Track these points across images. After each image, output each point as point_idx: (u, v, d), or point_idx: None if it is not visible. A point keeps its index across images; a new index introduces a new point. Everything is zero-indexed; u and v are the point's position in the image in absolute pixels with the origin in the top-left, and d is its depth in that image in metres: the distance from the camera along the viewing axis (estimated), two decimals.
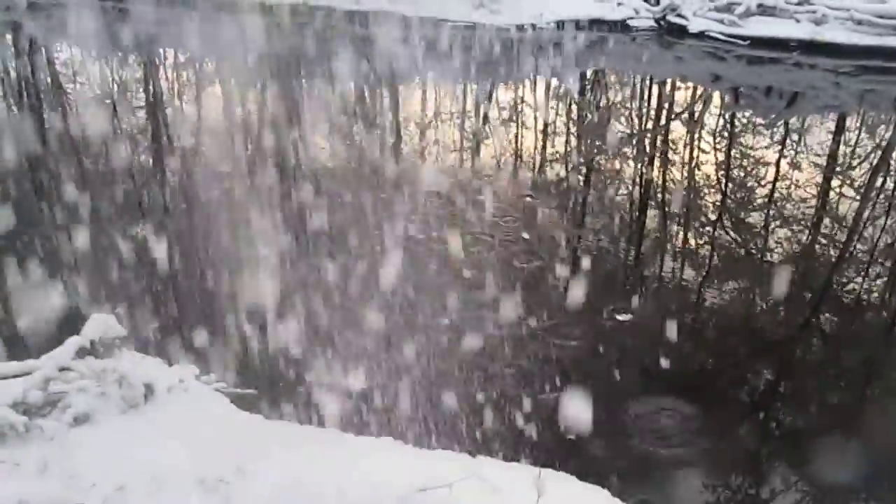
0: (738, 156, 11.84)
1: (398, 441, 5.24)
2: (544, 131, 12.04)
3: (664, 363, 6.09)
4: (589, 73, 16.25)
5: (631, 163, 10.96)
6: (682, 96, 15.83)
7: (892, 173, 11.80)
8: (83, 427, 5.10)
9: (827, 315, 7.40)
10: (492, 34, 15.28)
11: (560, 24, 18.11)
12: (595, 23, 18.55)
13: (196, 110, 12.84)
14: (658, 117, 14.31)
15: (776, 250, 8.49)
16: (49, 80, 14.10)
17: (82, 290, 6.80)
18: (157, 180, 9.61)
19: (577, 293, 6.78)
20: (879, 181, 11.33)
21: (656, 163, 11.16)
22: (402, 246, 7.74)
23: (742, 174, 10.98)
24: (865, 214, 9.89)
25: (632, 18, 18.85)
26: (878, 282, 8.03)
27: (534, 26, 17.76)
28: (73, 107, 12.61)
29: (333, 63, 14.24)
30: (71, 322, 5.71)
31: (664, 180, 10.39)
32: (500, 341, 6.42)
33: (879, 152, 12.63)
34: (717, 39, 18.39)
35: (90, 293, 6.77)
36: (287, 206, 8.76)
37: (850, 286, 7.83)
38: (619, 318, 6.87)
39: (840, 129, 13.87)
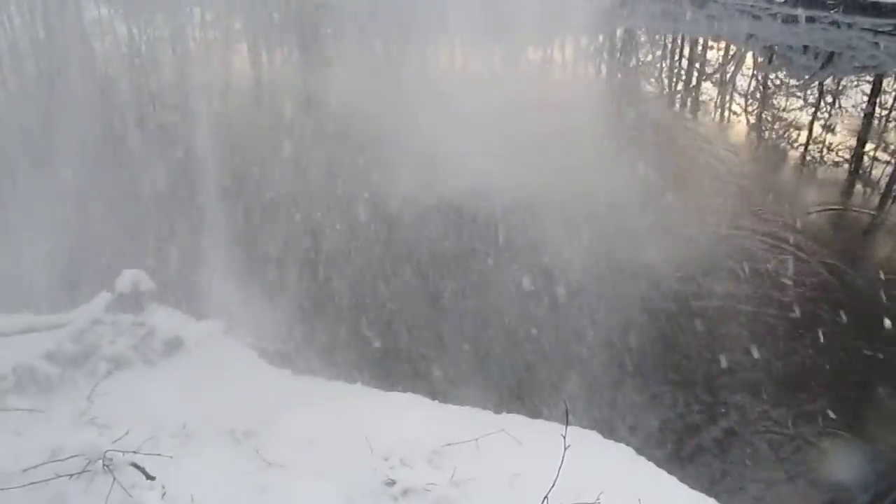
0: (770, 119, 11.61)
1: (425, 398, 5.29)
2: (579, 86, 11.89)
3: None
4: (620, 32, 15.95)
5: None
6: (715, 56, 15.52)
7: None
8: (115, 377, 5.20)
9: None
10: None
11: None
12: None
13: None
14: (683, 77, 14.06)
15: None
16: None
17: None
18: None
19: None
20: None
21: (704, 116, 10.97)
22: None
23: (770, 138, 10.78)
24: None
25: None
26: None
27: None
28: None
29: None
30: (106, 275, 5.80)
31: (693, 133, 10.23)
32: None
33: None
34: None
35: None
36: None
37: None
38: None
39: (877, 90, 13.53)
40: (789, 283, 7.03)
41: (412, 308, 6.45)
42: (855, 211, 8.60)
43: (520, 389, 5.60)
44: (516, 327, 6.23)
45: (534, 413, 5.20)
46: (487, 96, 10.63)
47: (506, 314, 6.38)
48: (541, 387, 5.62)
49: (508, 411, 5.11)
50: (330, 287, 6.76)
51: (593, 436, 4.83)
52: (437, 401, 5.24)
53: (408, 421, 4.75)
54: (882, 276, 7.10)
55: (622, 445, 4.80)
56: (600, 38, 15.31)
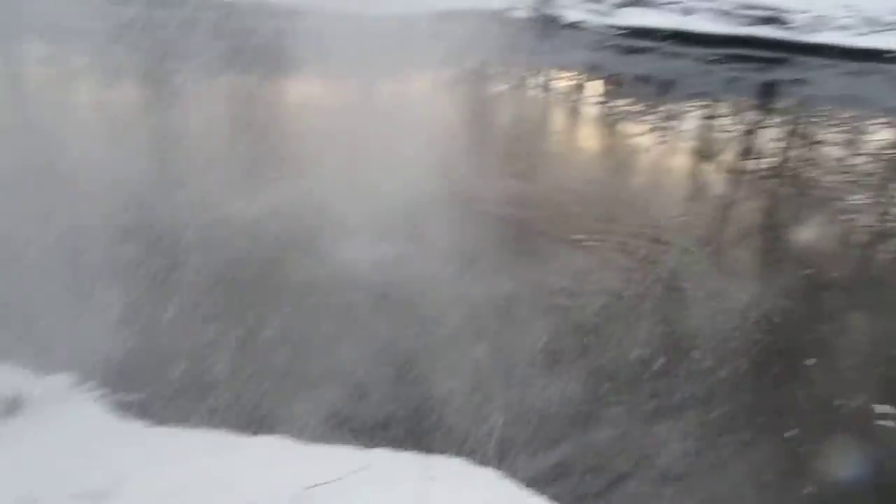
0: (618, 142, 12.19)
1: (289, 439, 5.13)
2: (423, 123, 12.00)
3: None
4: (470, 64, 16.34)
5: (508, 150, 11.08)
6: (561, 85, 16.17)
7: (758, 154, 12.40)
8: None
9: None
10: (366, 25, 15.10)
11: (435, 16, 18.14)
12: (472, 13, 18.68)
13: None
14: (541, 106, 14.56)
15: None
16: None
17: None
18: None
19: None
20: (749, 163, 11.93)
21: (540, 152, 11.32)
22: None
23: (620, 159, 11.30)
24: (743, 192, 10.45)
25: (509, 10, 19.11)
26: None
27: (407, 17, 17.70)
28: None
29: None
30: None
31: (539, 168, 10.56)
32: None
33: (748, 135, 13.31)
34: (591, 30, 18.90)
35: None
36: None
37: None
38: None
39: (712, 113, 14.51)
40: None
41: (270, 344, 6.26)
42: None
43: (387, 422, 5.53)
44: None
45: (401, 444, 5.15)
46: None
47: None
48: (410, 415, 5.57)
49: (376, 445, 5.03)
50: (183, 326, 6.46)
51: (459, 463, 4.83)
52: (303, 440, 5.10)
53: (270, 466, 4.60)
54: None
55: (489, 470, 4.82)
56: (452, 71, 15.61)
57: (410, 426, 5.35)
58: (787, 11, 19.08)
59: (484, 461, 5.00)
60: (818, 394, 6.04)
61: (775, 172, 11.63)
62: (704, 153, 12.11)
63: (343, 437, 5.18)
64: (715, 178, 11.21)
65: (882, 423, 5.75)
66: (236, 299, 6.75)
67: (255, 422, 5.34)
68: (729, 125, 13.99)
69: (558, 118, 13.66)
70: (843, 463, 5.27)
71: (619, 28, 18.96)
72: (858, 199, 10.63)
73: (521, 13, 19.17)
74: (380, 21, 15.06)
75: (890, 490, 5.13)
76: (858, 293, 7.82)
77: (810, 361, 6.47)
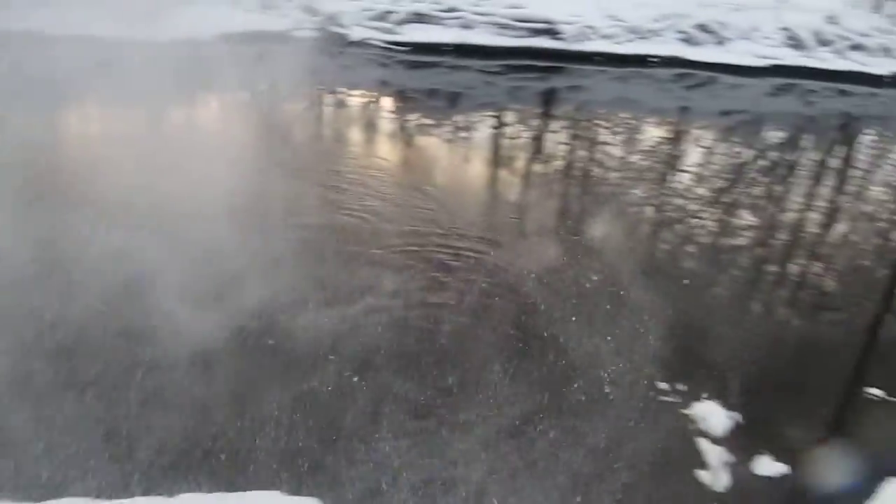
0: (414, 155, 12.32)
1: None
2: (215, 148, 11.57)
3: None
4: (261, 86, 15.96)
5: (313, 169, 10.90)
6: (354, 102, 16.16)
7: (547, 157, 13.03)
8: None
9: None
10: (148, 50, 14.35)
11: (222, 38, 17.60)
12: (259, 35, 18.30)
13: None
14: (334, 124, 14.45)
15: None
16: None
17: None
18: None
19: None
20: (539, 165, 12.51)
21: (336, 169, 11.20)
22: None
23: (418, 172, 11.42)
24: (534, 195, 10.91)
25: (295, 30, 18.88)
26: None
27: (194, 41, 17.03)
28: None
29: None
30: None
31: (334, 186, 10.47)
32: None
33: (535, 140, 13.97)
34: (377, 47, 19.08)
35: None
36: None
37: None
38: None
39: (500, 122, 15.08)
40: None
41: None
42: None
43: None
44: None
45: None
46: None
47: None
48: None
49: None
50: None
51: (275, 496, 4.68)
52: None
53: None
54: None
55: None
56: (243, 94, 15.19)
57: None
58: (558, 23, 20.25)
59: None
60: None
61: (565, 173, 12.27)
62: (497, 160, 12.55)
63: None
64: (510, 183, 11.64)
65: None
66: None
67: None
68: (516, 132, 14.59)
69: (352, 135, 13.62)
70: None
71: (404, 44, 19.26)
72: (641, 192, 11.44)
73: (308, 33, 18.98)
74: (166, 46, 14.39)
75: None
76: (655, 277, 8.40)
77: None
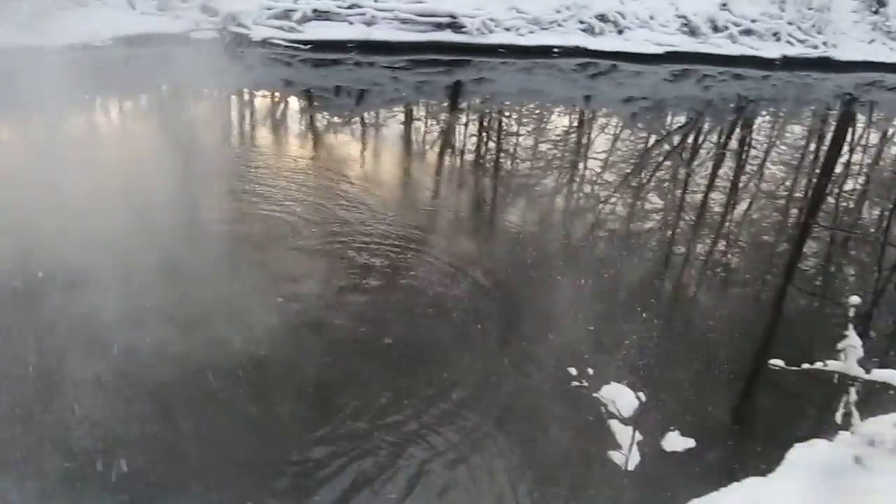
0: (325, 154, 12.18)
1: None
2: (121, 155, 11.19)
3: None
4: (159, 90, 15.51)
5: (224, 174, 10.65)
6: (259, 103, 15.88)
7: (459, 150, 13.09)
8: None
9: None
10: (40, 57, 13.75)
11: (118, 41, 17.03)
12: (156, 37, 17.77)
13: None
14: (238, 126, 14.16)
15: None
16: None
17: None
18: None
19: None
20: (452, 159, 12.56)
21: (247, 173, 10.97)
22: None
23: (330, 170, 11.29)
24: (447, 186, 10.93)
25: (193, 31, 18.39)
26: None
27: (88, 45, 16.44)
28: None
29: None
30: None
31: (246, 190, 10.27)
32: None
33: (446, 134, 14.01)
34: (280, 46, 18.78)
35: None
36: None
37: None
38: None
39: (408, 117, 15.06)
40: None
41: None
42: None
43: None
44: None
45: None
46: None
47: None
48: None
49: None
50: None
51: None
52: None
53: None
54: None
55: None
56: (145, 98, 14.74)
57: None
58: (461, 16, 20.33)
59: None
60: None
61: (474, 164, 12.35)
62: (407, 155, 12.54)
63: None
64: (425, 176, 11.63)
65: None
66: None
67: None
68: (426, 126, 14.61)
69: (257, 137, 13.37)
70: None
71: (307, 42, 19.01)
72: (551, 180, 11.61)
73: (209, 34, 18.53)
74: (58, 52, 13.85)
75: None
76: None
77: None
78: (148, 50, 17.15)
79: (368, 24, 19.82)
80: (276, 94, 16.32)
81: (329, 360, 6.33)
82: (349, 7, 19.92)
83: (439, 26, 20.36)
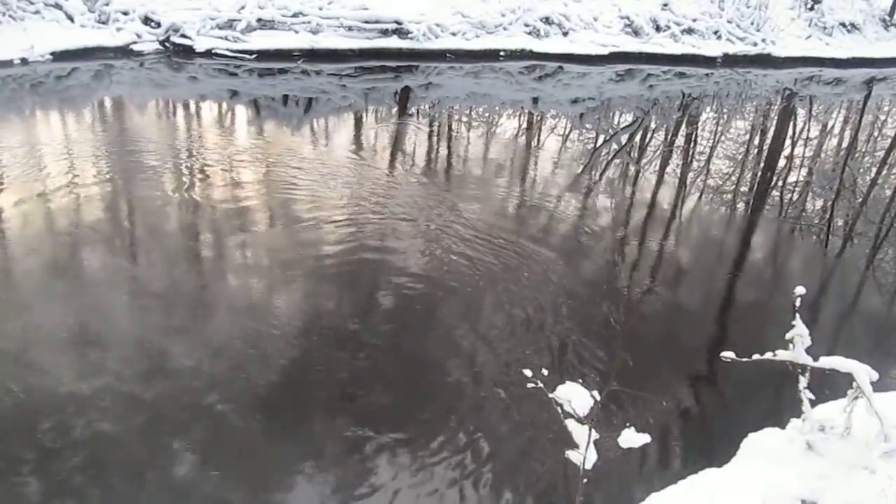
0: (270, 164, 12.04)
1: None
2: (74, 165, 10.94)
3: None
4: (105, 103, 15.20)
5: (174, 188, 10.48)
6: (205, 115, 15.66)
7: (406, 155, 13.05)
8: None
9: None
10: None
11: (56, 56, 16.68)
12: (96, 51, 17.45)
13: None
14: (188, 140, 13.93)
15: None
16: None
17: None
18: None
19: None
20: (399, 164, 12.50)
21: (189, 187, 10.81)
22: None
23: (275, 180, 11.17)
24: (399, 193, 10.88)
25: (135, 43, 18.09)
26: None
27: (25, 60, 16.07)
28: None
29: None
30: None
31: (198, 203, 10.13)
32: None
33: (394, 138, 13.96)
34: (225, 56, 18.57)
35: None
36: None
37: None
38: None
39: (357, 124, 14.99)
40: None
41: None
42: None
43: None
44: None
45: None
46: None
47: None
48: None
49: None
50: None
51: None
52: None
53: None
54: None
55: None
56: (86, 115, 14.42)
57: None
58: (406, 22, 20.34)
59: None
60: None
61: (426, 168, 12.32)
62: (357, 162, 12.45)
63: None
64: (377, 187, 11.55)
65: None
66: None
67: None
68: (375, 133, 14.55)
69: (209, 148, 13.16)
70: None
71: (252, 52, 18.81)
72: (503, 180, 11.64)
73: (150, 45, 18.25)
74: None
75: None
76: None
77: None
78: (88, 64, 16.84)
79: (314, 32, 19.71)
80: (222, 104, 16.10)
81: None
82: (294, 16, 19.78)
83: (385, 33, 20.34)
